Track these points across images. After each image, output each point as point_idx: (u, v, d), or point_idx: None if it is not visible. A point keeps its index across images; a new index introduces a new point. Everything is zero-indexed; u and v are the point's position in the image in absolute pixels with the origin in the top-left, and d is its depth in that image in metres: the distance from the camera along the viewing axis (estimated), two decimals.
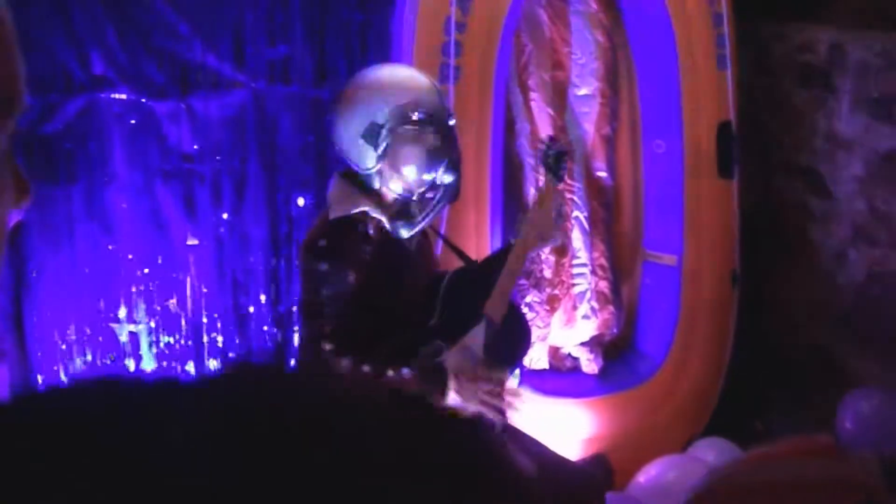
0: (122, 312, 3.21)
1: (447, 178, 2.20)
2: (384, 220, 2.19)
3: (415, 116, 2.17)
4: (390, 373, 2.05)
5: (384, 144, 2.16)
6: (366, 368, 2.04)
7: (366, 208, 2.16)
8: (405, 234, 2.21)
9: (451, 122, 2.25)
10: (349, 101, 2.21)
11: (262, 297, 3.35)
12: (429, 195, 2.24)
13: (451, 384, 2.09)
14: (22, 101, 0.61)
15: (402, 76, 2.27)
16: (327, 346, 2.04)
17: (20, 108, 0.61)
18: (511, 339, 2.30)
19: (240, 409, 0.47)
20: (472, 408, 2.13)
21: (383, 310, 2.18)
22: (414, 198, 2.24)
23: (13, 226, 0.64)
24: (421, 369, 2.09)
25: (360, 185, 2.23)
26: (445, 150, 2.21)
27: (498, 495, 0.57)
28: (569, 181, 3.61)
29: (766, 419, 3.63)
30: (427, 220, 2.24)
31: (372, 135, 2.17)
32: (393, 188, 2.21)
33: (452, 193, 2.25)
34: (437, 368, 2.11)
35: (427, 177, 2.20)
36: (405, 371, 2.06)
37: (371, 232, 2.16)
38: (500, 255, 2.41)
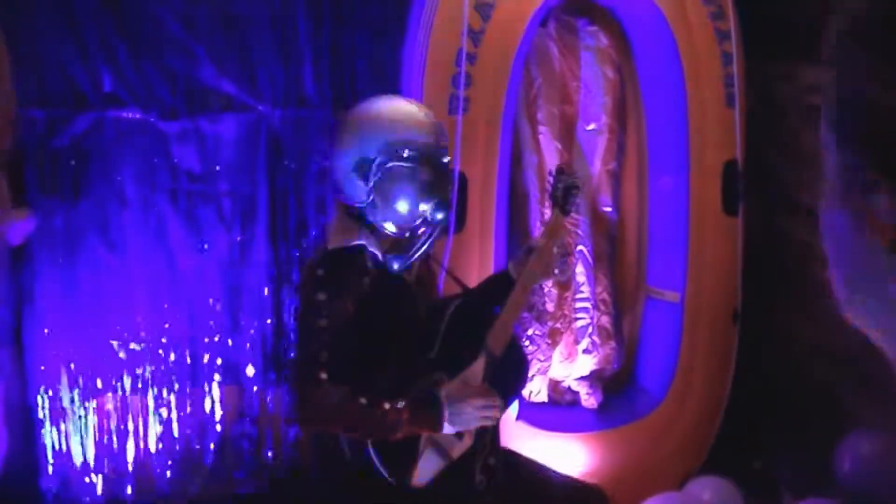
0: (124, 330, 3.21)
1: (438, 216, 2.17)
2: (378, 253, 2.18)
3: (406, 153, 2.14)
4: (386, 405, 2.04)
5: (374, 179, 2.14)
6: (362, 400, 2.04)
7: (363, 241, 2.16)
8: (397, 267, 2.18)
9: (445, 160, 2.23)
10: (345, 133, 2.20)
11: (269, 320, 3.35)
12: (421, 230, 2.21)
13: (445, 413, 2.09)
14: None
15: (398, 111, 2.22)
16: (323, 375, 2.03)
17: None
18: (509, 370, 2.30)
19: None
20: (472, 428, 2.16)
21: (380, 340, 2.16)
22: (406, 234, 2.21)
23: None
24: (414, 400, 2.09)
25: (358, 217, 2.21)
26: (436, 187, 2.18)
27: None
28: (574, 215, 3.62)
29: (764, 458, 3.60)
30: (418, 254, 2.20)
31: (363, 169, 2.15)
32: (384, 222, 2.19)
33: (443, 229, 2.25)
34: (431, 399, 2.10)
35: (417, 214, 2.18)
36: (399, 404, 2.06)
37: (368, 265, 2.15)
38: (496, 283, 2.44)
